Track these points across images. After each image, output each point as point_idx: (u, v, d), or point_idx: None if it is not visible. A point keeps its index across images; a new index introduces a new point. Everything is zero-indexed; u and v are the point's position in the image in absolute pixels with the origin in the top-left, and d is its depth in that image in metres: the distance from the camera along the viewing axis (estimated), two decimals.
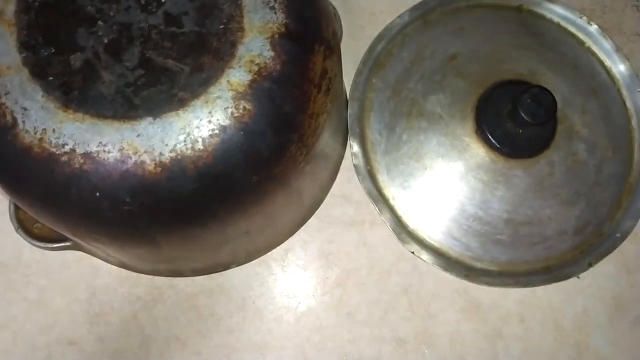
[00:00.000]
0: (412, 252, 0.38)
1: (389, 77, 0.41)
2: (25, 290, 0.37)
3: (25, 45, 0.25)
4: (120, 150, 0.24)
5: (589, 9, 0.44)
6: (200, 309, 0.37)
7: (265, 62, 0.26)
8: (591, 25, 0.42)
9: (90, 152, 0.24)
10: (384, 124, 0.40)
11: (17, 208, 0.37)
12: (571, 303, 0.39)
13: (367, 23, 0.42)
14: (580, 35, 0.43)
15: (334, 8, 0.41)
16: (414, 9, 0.42)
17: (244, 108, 0.25)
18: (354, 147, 0.39)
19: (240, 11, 0.26)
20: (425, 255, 0.38)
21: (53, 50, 0.25)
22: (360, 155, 0.39)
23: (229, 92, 0.25)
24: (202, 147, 0.25)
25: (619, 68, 0.42)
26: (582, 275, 0.39)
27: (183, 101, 0.25)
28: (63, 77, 0.25)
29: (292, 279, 0.38)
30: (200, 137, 0.25)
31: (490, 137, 0.38)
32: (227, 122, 0.25)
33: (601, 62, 0.43)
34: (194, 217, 0.26)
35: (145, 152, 0.24)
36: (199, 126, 0.25)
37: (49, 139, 0.24)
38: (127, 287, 0.37)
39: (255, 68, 0.25)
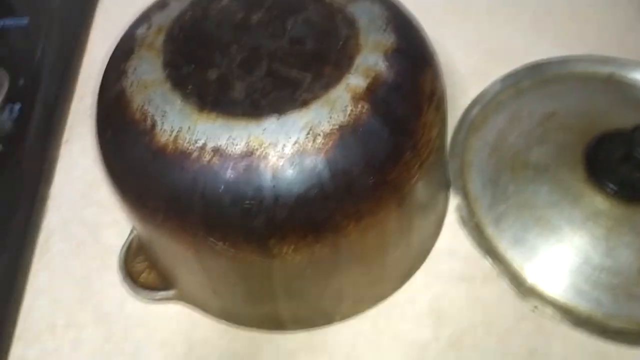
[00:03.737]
0: (535, 307, 0.34)
1: (487, 137, 0.41)
2: (123, 343, 0.36)
3: (169, 65, 0.28)
4: (247, 143, 0.25)
5: None
6: None
7: (381, 71, 0.27)
8: None
9: (220, 146, 0.25)
10: (487, 178, 0.39)
11: (126, 258, 0.38)
12: None
13: (459, 95, 0.44)
14: None
15: None
16: (505, 77, 0.44)
17: (362, 107, 0.26)
18: (457, 200, 0.38)
19: (356, 33, 0.29)
20: (548, 312, 0.34)
21: (192, 68, 0.28)
22: (464, 208, 0.38)
23: (348, 94, 0.26)
24: (322, 142, 0.25)
25: None
26: None
27: (305, 102, 0.26)
28: (200, 87, 0.27)
29: (400, 337, 0.35)
30: (322, 132, 0.25)
31: (606, 181, 0.36)
32: (346, 120, 0.26)
33: None
34: (309, 218, 0.26)
35: (270, 144, 0.25)
36: (320, 122, 0.26)
37: (183, 137, 0.26)
38: (225, 341, 0.35)
39: (372, 75, 0.27)
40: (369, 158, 0.26)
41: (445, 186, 0.39)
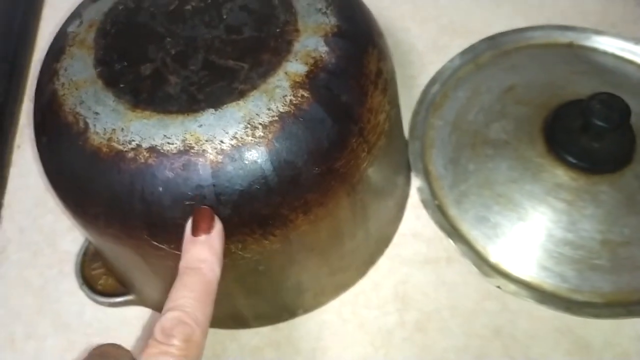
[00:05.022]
0: (499, 287, 0.34)
1: (447, 115, 0.40)
2: (85, 351, 0.35)
3: (101, 62, 0.27)
4: (183, 141, 0.24)
5: None
6: None
7: (321, 56, 0.26)
8: None
9: (155, 145, 0.24)
10: (448, 158, 0.39)
11: (82, 264, 0.37)
12: None
13: (417, 73, 0.43)
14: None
15: None
16: (463, 53, 0.43)
17: (302, 96, 0.25)
18: (418, 182, 0.38)
19: (295, 17, 0.27)
20: (513, 290, 0.33)
21: (125, 64, 0.27)
22: (426, 190, 0.37)
23: (287, 82, 0.25)
24: (262, 134, 0.24)
25: None
26: None
27: (243, 92, 0.25)
28: (133, 84, 0.26)
29: (366, 325, 0.34)
30: (261, 123, 0.24)
31: (565, 154, 0.35)
32: (286, 109, 0.25)
33: None
34: (255, 214, 0.25)
35: (207, 140, 0.24)
36: (259, 114, 0.25)
37: (117, 138, 0.25)
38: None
39: (312, 61, 0.26)
40: (313, 147, 0.25)
41: (405, 169, 0.38)
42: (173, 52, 0.27)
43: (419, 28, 0.46)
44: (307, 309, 0.34)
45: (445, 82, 0.42)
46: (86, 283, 0.36)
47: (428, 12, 0.47)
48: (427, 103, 0.41)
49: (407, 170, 0.38)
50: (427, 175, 0.38)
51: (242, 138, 0.24)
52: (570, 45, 0.43)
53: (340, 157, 0.26)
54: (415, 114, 0.41)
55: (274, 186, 0.25)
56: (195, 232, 0.24)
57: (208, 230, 0.24)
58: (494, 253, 0.35)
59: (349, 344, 0.34)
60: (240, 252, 0.26)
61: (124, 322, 0.36)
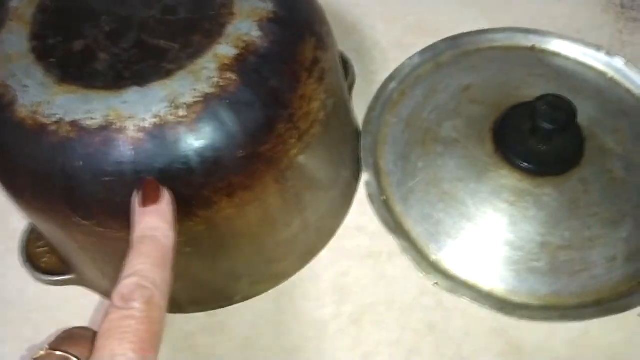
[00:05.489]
0: (436, 284, 0.34)
1: (402, 112, 0.40)
2: (22, 327, 0.35)
3: (35, 37, 0.27)
4: (106, 117, 0.24)
5: (607, 44, 0.43)
6: (198, 349, 0.33)
7: (253, 40, 0.26)
8: (613, 57, 0.41)
9: (77, 120, 0.24)
10: (399, 155, 0.39)
11: (28, 241, 0.37)
12: (636, 343, 0.32)
13: (379, 69, 0.43)
14: (602, 68, 0.42)
15: (347, 57, 0.43)
16: (423, 51, 0.43)
17: (230, 78, 0.25)
18: (366, 176, 0.38)
19: (232, 1, 0.27)
20: (449, 287, 0.33)
21: (59, 40, 0.27)
22: (374, 185, 0.37)
23: (214, 64, 0.25)
24: (185, 114, 0.24)
25: None
26: None
27: (170, 72, 0.25)
28: (63, 59, 0.26)
29: (301, 316, 0.34)
30: (184, 103, 0.25)
31: (511, 155, 0.35)
32: (211, 91, 0.25)
33: (628, 90, 0.41)
34: (175, 194, 0.25)
35: (129, 118, 0.24)
36: (183, 93, 0.25)
37: (42, 111, 0.25)
38: None
39: (243, 44, 0.26)
40: (238, 130, 0.25)
41: (354, 162, 0.38)
42: (107, 29, 0.27)
43: (385, 26, 0.46)
44: (245, 296, 0.34)
45: (404, 79, 0.42)
46: (30, 260, 0.36)
47: (396, 10, 0.47)
48: (384, 100, 0.41)
49: (356, 164, 0.38)
50: (376, 171, 0.38)
51: (164, 117, 0.24)
52: (532, 49, 0.43)
53: (267, 141, 0.26)
54: (371, 109, 0.40)
55: (195, 166, 0.25)
56: (144, 203, 0.24)
57: (156, 199, 0.24)
58: (435, 250, 0.35)
59: (282, 333, 0.34)
60: None
61: (64, 301, 0.36)
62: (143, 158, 0.24)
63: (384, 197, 0.37)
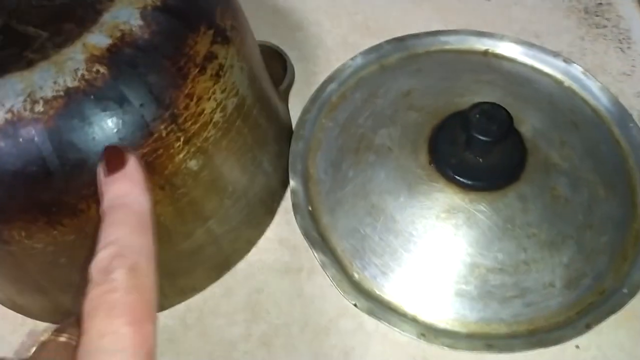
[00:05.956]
0: (355, 305, 0.31)
1: (340, 117, 0.37)
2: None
3: None
4: None
5: (567, 51, 0.40)
6: None
7: (131, 30, 0.23)
8: (571, 64, 0.38)
9: None
10: (330, 162, 0.36)
11: None
12: None
13: (321, 70, 0.40)
14: (558, 75, 0.39)
15: (286, 55, 0.40)
16: (367, 51, 0.40)
17: (97, 71, 0.22)
18: (292, 184, 0.35)
19: None
20: (369, 309, 0.30)
21: None
22: (300, 193, 0.34)
23: (82, 54, 0.22)
24: (42, 109, 0.22)
25: (606, 105, 0.37)
26: (581, 343, 0.30)
27: (31, 62, 0.22)
28: None
29: (209, 335, 0.31)
30: (42, 98, 0.22)
31: (446, 167, 0.32)
32: (74, 85, 0.22)
33: (585, 101, 0.38)
34: (33, 199, 0.22)
35: None
36: (42, 87, 0.22)
37: None
38: (17, 336, 0.32)
39: (118, 34, 0.23)
40: (103, 130, 0.22)
41: (279, 168, 0.35)
42: None
43: (331, 23, 0.43)
44: None
45: (345, 81, 0.39)
46: None
47: (344, 7, 0.44)
48: (321, 102, 0.38)
49: (286, 170, 0.35)
50: (305, 178, 0.35)
51: (18, 112, 0.22)
52: (485, 53, 0.40)
53: (142, 144, 0.23)
54: (305, 111, 0.38)
55: (53, 169, 0.22)
56: (108, 172, 0.21)
57: (121, 165, 0.21)
58: (358, 268, 0.32)
59: (187, 353, 0.31)
60: (27, 241, 0.24)
61: None
62: None
63: (310, 208, 0.34)
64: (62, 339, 0.21)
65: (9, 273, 0.28)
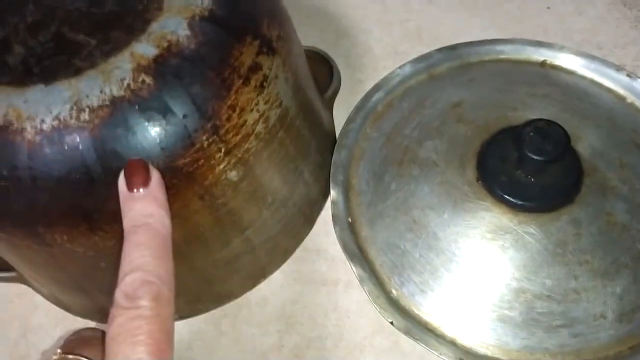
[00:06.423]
0: (391, 323, 0.30)
1: (385, 127, 0.37)
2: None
3: None
4: (5, 116, 0.22)
5: (632, 65, 0.38)
6: None
7: (178, 40, 0.23)
8: (635, 79, 0.36)
9: None
10: (373, 173, 0.35)
11: None
12: None
13: (367, 78, 0.40)
14: (621, 91, 0.36)
15: (334, 62, 0.40)
16: (416, 60, 0.38)
17: (143, 81, 0.22)
18: (333, 195, 0.34)
19: None
20: (406, 328, 0.30)
21: None
22: (341, 204, 0.34)
23: (129, 64, 0.23)
24: (87, 118, 0.22)
25: None
26: None
27: (79, 70, 0.23)
28: None
29: (241, 343, 0.31)
30: (88, 106, 0.22)
31: (494, 185, 0.31)
32: (120, 94, 0.22)
33: None
34: (77, 205, 0.23)
35: (28, 118, 0.22)
36: (88, 95, 0.22)
37: None
38: (59, 330, 0.33)
39: (165, 44, 0.23)
40: (148, 140, 0.23)
41: (321, 178, 0.34)
42: (30, 20, 0.25)
43: (381, 31, 0.42)
44: (183, 315, 0.32)
45: (392, 90, 0.38)
46: None
47: (396, 15, 0.43)
48: (366, 111, 0.37)
49: (324, 180, 0.35)
50: (347, 189, 0.35)
51: (64, 120, 0.22)
52: (542, 65, 0.38)
53: (183, 155, 0.23)
54: (350, 120, 0.37)
55: (96, 177, 0.22)
56: (131, 187, 0.21)
57: (146, 182, 0.21)
58: (397, 285, 0.31)
59: (219, 359, 0.31)
60: (68, 245, 0.24)
61: (3, 300, 0.34)
62: (39, 164, 0.22)
63: (350, 219, 0.34)
64: (72, 357, 0.22)
65: (52, 273, 0.28)
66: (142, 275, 0.19)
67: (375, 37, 0.42)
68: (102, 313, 0.31)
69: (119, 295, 0.19)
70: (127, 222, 0.21)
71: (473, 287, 0.30)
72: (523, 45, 0.39)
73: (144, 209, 0.21)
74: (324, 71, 0.39)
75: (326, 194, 0.35)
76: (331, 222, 0.34)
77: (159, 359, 0.18)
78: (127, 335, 0.18)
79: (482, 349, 0.29)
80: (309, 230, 0.34)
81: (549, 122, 0.29)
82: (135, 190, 0.21)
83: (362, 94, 0.38)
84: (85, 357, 0.22)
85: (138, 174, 0.22)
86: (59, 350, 0.22)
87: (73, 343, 0.22)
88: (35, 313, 0.34)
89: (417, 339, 0.29)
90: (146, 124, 0.23)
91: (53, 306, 0.33)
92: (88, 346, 0.22)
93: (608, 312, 0.29)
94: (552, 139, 0.29)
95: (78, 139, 0.22)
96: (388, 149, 0.35)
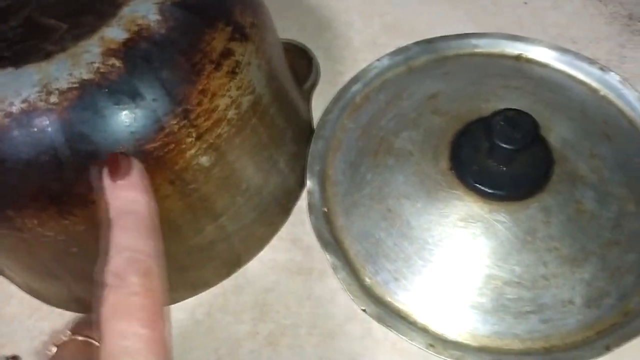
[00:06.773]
0: (364, 310, 0.30)
1: (362, 119, 0.37)
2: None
3: None
4: None
5: (605, 59, 0.38)
6: None
7: (149, 24, 0.24)
8: (607, 72, 0.37)
9: None
10: (349, 164, 0.35)
11: None
12: None
13: (347, 70, 0.40)
14: (593, 83, 0.37)
15: (311, 52, 0.40)
16: (394, 53, 0.39)
17: (112, 65, 0.23)
18: (309, 185, 0.34)
19: None
20: (379, 315, 0.30)
21: None
22: (316, 194, 0.34)
23: (99, 48, 0.23)
24: (56, 101, 0.22)
25: None
26: None
27: (49, 54, 0.23)
28: None
29: (216, 331, 0.31)
30: (57, 89, 0.22)
31: (466, 174, 0.31)
32: (89, 77, 0.22)
33: (620, 111, 0.36)
34: (45, 188, 0.23)
35: None
36: (58, 78, 0.22)
37: None
38: (33, 320, 0.33)
39: (135, 28, 0.23)
40: (117, 123, 0.23)
41: (296, 167, 0.35)
42: (2, 4, 0.25)
43: (361, 23, 0.43)
44: None
45: (369, 82, 0.38)
46: None
47: (376, 7, 0.43)
48: (344, 102, 0.38)
49: (301, 170, 0.35)
50: (323, 179, 0.35)
51: (33, 102, 0.22)
52: (517, 58, 0.39)
53: (153, 139, 0.24)
54: (327, 112, 0.37)
55: (65, 160, 0.22)
56: (114, 177, 0.22)
57: (127, 171, 0.22)
58: (370, 273, 0.31)
59: (194, 348, 0.31)
60: (39, 229, 0.24)
61: None
62: (8, 146, 0.22)
63: (326, 209, 0.34)
64: (81, 338, 0.22)
65: (23, 259, 0.28)
66: (130, 255, 0.20)
67: (356, 29, 0.42)
68: (78, 302, 0.32)
69: (108, 275, 0.19)
70: (112, 211, 0.21)
71: (445, 274, 0.30)
72: (498, 39, 0.39)
73: (128, 196, 0.21)
74: (303, 63, 0.40)
75: (302, 184, 0.35)
76: (304, 212, 0.34)
77: (156, 329, 0.18)
78: (122, 312, 0.18)
79: (452, 336, 0.30)
80: (285, 220, 0.34)
81: (519, 112, 0.30)
82: (118, 180, 0.22)
83: (341, 85, 0.39)
84: (94, 339, 0.22)
85: (117, 164, 0.22)
86: (68, 332, 0.23)
87: (82, 325, 0.23)
88: (9, 303, 0.33)
89: (389, 326, 0.30)
90: (115, 107, 0.23)
91: (26, 296, 0.33)
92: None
93: (576, 298, 0.29)
94: (521, 128, 0.29)
95: (47, 122, 0.22)
96: (364, 140, 0.36)
